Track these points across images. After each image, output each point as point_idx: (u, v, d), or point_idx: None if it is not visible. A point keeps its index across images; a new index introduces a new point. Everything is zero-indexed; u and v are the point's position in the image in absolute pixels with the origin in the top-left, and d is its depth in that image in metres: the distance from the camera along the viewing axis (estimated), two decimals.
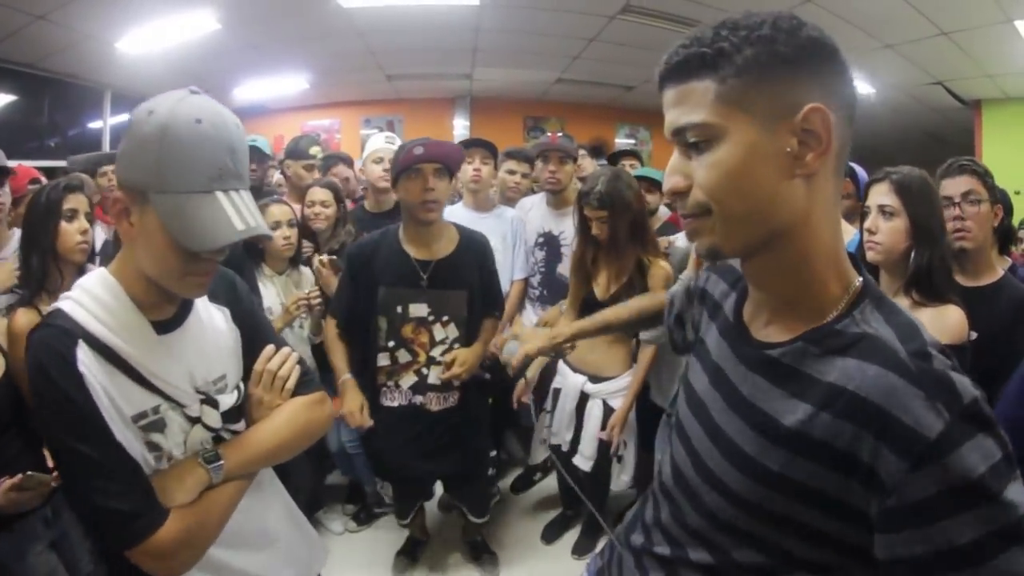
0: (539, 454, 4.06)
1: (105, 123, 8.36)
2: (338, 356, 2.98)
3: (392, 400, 2.94)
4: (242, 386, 1.58)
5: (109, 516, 1.28)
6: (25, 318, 2.22)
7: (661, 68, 0.97)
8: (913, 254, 2.12)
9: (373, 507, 4.02)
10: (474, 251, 2.99)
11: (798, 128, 0.89)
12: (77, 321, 1.31)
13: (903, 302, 2.13)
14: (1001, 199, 2.61)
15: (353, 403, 2.89)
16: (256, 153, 4.52)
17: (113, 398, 1.30)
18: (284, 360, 1.62)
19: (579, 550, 3.66)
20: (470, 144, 3.99)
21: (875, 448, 0.84)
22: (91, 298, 1.35)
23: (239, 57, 7.66)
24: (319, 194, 3.66)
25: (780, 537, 0.96)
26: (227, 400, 1.52)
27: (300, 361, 1.66)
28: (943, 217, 2.25)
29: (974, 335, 2.24)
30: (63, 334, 1.29)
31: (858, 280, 1.00)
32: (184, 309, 1.48)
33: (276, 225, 3.22)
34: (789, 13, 0.91)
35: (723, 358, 1.12)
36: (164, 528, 1.31)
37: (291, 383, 1.61)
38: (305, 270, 3.49)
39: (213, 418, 1.49)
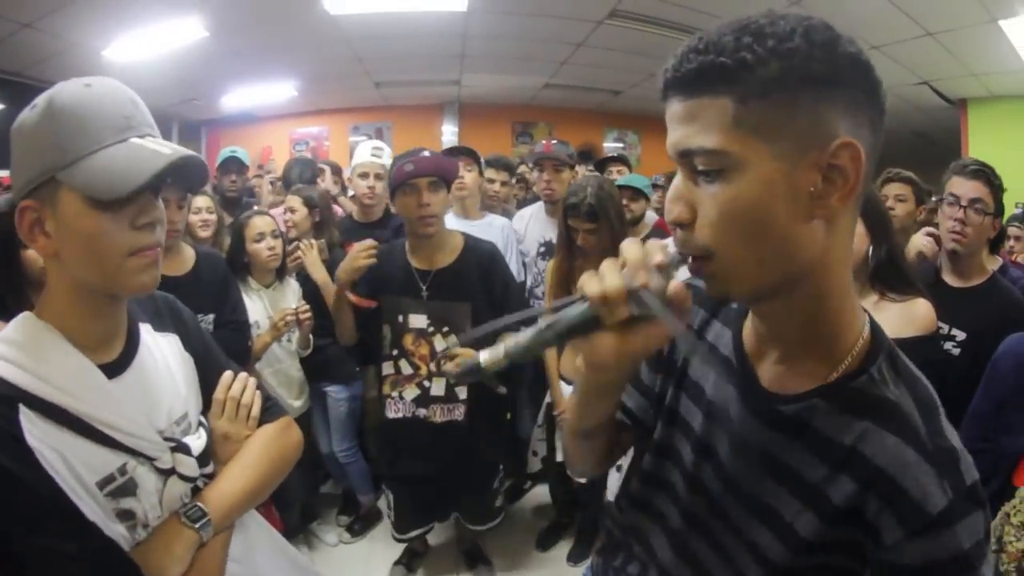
0: (533, 465, 4.05)
1: None
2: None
3: (396, 412, 2.92)
4: (205, 422, 1.39)
5: None
6: None
7: (668, 74, 0.81)
8: (871, 250, 2.14)
9: (367, 517, 4.00)
10: (478, 261, 2.92)
11: (824, 164, 0.77)
12: (11, 382, 1.07)
13: (871, 298, 2.16)
14: (998, 211, 2.57)
15: (347, 263, 2.79)
16: (235, 163, 4.55)
17: (73, 467, 1.08)
18: (244, 386, 1.46)
19: (574, 558, 3.65)
20: (451, 152, 4.02)
21: (879, 510, 0.83)
22: (21, 350, 1.11)
23: (227, 65, 7.65)
24: (288, 201, 3.73)
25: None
26: (197, 444, 1.31)
27: (259, 387, 1.50)
28: (888, 215, 2.27)
29: (963, 335, 2.25)
30: (1, 401, 1.05)
31: (866, 325, 0.92)
32: (131, 345, 1.27)
33: (260, 237, 3.21)
34: (822, 20, 0.78)
35: (726, 399, 1.00)
36: None
37: (256, 410, 1.44)
38: (292, 282, 3.48)
39: (188, 466, 1.28)
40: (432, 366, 2.86)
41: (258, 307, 3.24)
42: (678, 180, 0.84)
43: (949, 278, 2.51)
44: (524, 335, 0.88)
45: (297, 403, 3.42)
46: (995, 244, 3.02)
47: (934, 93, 8.00)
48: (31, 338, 1.13)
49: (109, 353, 1.21)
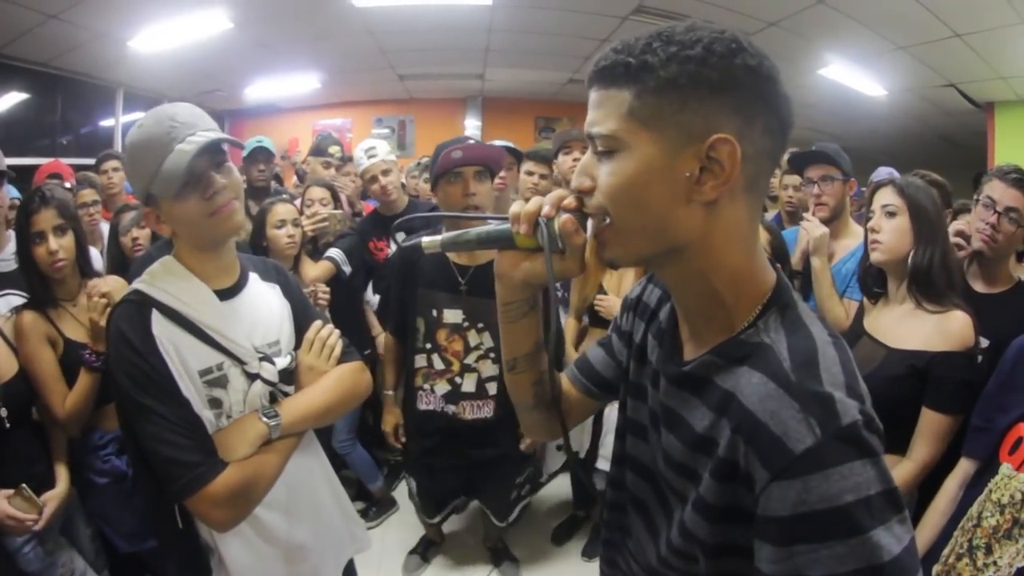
0: (555, 462, 4.04)
1: (117, 121, 8.37)
2: (388, 369, 3.16)
3: (427, 404, 2.94)
4: (294, 354, 1.78)
5: (173, 466, 1.46)
6: (30, 317, 2.35)
7: (591, 68, 0.94)
8: (912, 253, 2.13)
9: (381, 504, 4.03)
10: None
11: (703, 155, 0.86)
12: (150, 295, 1.55)
13: (907, 305, 2.15)
14: None
15: (388, 423, 3.15)
16: (263, 153, 4.54)
17: (183, 356, 1.52)
18: (330, 333, 1.84)
19: (589, 552, 3.66)
20: None
21: (747, 454, 0.84)
22: (158, 277, 1.60)
23: (251, 56, 7.68)
24: (316, 192, 3.70)
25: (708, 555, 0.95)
26: (282, 362, 1.72)
27: (341, 336, 1.87)
28: (945, 222, 2.23)
29: (986, 342, 2.22)
30: (140, 305, 1.53)
31: (771, 291, 0.97)
32: (242, 280, 1.73)
33: (281, 224, 3.23)
34: (732, 35, 0.88)
35: (658, 362, 1.11)
36: (222, 477, 1.49)
37: (337, 351, 1.83)
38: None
39: (270, 372, 1.68)
40: (472, 364, 2.87)
41: None
42: (586, 156, 0.97)
43: (975, 283, 2.48)
44: (456, 233, 1.10)
45: None
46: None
47: (961, 96, 7.90)
48: (166, 269, 1.62)
49: (223, 282, 1.67)
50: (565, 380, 1.42)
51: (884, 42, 6.38)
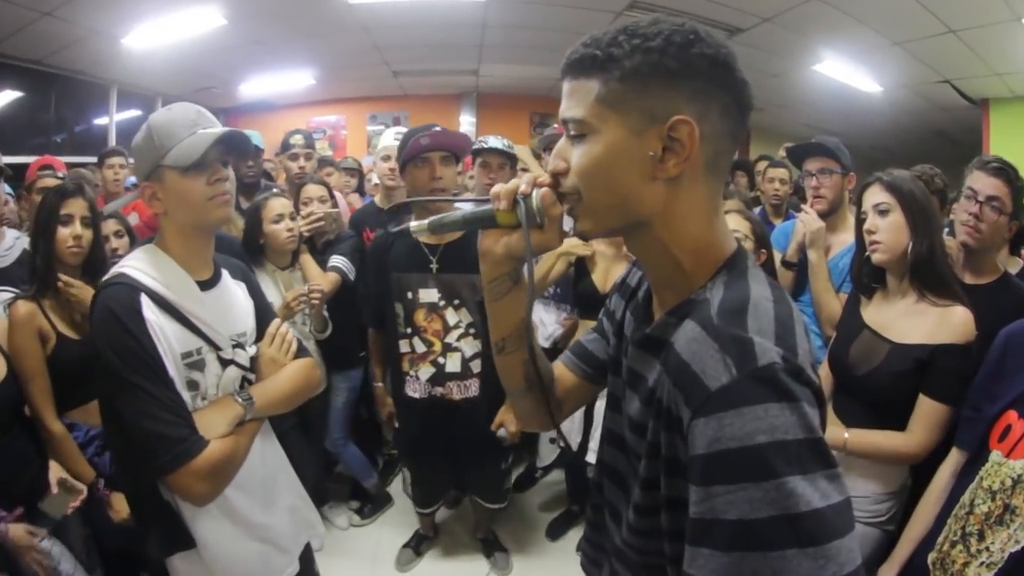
0: (548, 454, 4.04)
1: (111, 119, 8.35)
2: (375, 363, 3.43)
3: (414, 391, 2.99)
4: (257, 346, 1.93)
5: (159, 440, 1.58)
6: (25, 308, 2.37)
7: (564, 60, 1.02)
8: (911, 245, 2.13)
9: (376, 501, 4.04)
10: None
11: (664, 135, 0.93)
12: (137, 279, 1.65)
13: (910, 297, 2.15)
14: (1015, 212, 2.45)
15: (383, 413, 3.37)
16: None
17: (168, 339, 1.64)
18: (287, 330, 2.01)
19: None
20: (482, 151, 3.87)
21: (675, 395, 0.89)
22: (144, 264, 1.70)
23: (245, 53, 7.67)
24: (314, 191, 3.64)
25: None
26: (250, 351, 1.89)
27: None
28: (938, 212, 2.24)
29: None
30: (129, 288, 1.63)
31: (727, 257, 1.04)
32: (217, 275, 1.88)
33: (278, 218, 3.20)
34: (692, 26, 0.95)
35: (631, 332, 1.18)
36: (206, 452, 1.62)
37: (294, 347, 1.99)
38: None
39: (244, 358, 1.85)
40: (453, 343, 2.93)
41: (272, 290, 3.21)
42: (561, 141, 1.05)
43: (961, 274, 2.48)
44: (442, 216, 1.17)
45: None
46: (1016, 246, 2.95)
47: (956, 92, 7.92)
48: (150, 257, 1.74)
49: (202, 274, 1.82)
50: (561, 367, 1.46)
51: (879, 38, 6.40)
